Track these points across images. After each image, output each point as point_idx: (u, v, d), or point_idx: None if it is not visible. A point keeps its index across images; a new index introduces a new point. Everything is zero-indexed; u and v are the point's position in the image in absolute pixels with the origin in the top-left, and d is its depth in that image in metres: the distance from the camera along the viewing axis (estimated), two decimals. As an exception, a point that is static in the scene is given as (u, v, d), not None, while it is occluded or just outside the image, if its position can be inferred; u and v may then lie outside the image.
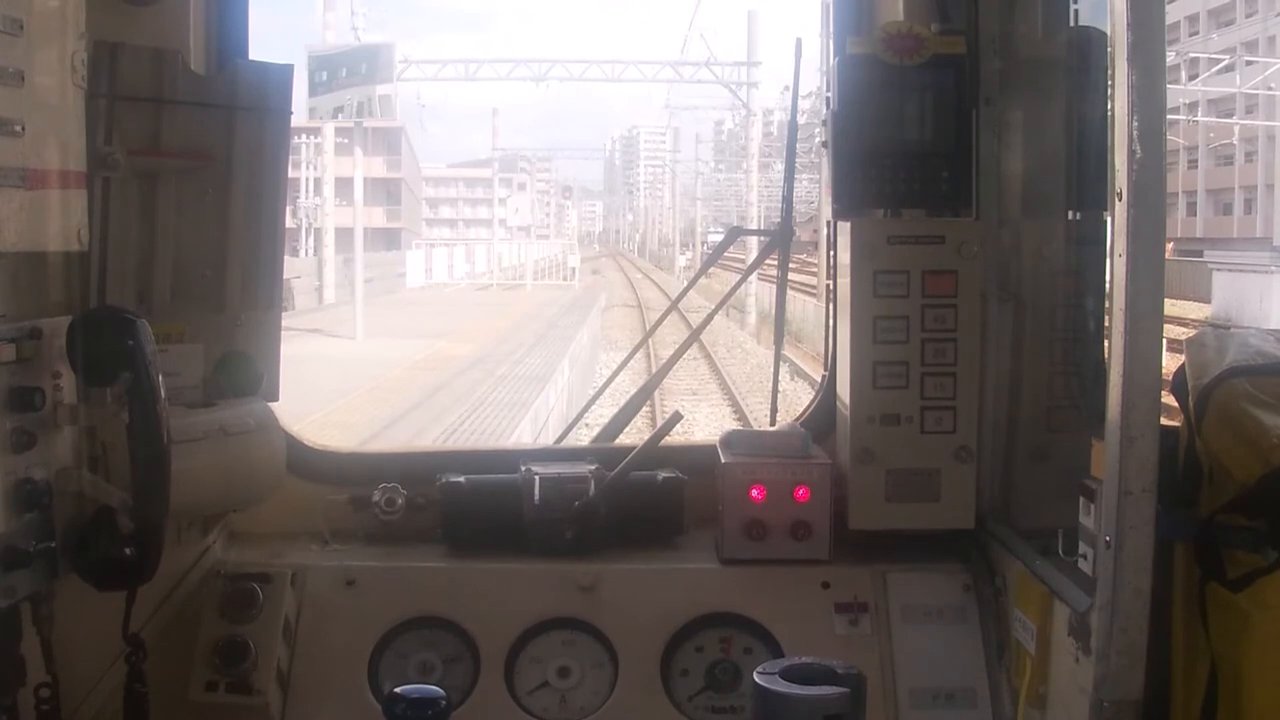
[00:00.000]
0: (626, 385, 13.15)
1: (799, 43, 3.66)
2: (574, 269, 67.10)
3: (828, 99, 3.23)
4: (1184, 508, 2.46)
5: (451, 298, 47.09)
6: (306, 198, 57.69)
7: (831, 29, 3.44)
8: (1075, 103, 3.02)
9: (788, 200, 3.62)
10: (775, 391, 3.72)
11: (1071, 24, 3.09)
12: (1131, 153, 2.05)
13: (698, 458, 3.33)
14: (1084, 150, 2.96)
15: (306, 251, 57.24)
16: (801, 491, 3.15)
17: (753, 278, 26.08)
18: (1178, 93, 50.38)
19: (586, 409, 4.53)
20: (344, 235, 37.30)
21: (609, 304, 49.59)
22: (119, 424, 2.39)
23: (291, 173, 24.93)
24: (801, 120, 4.23)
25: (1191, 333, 2.82)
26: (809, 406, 3.66)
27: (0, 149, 2.23)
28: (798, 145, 3.78)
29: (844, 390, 3.20)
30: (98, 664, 2.76)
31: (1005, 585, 2.96)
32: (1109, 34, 2.24)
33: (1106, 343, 2.30)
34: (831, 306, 3.39)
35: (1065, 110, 3.07)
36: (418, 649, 3.06)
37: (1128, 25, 2.04)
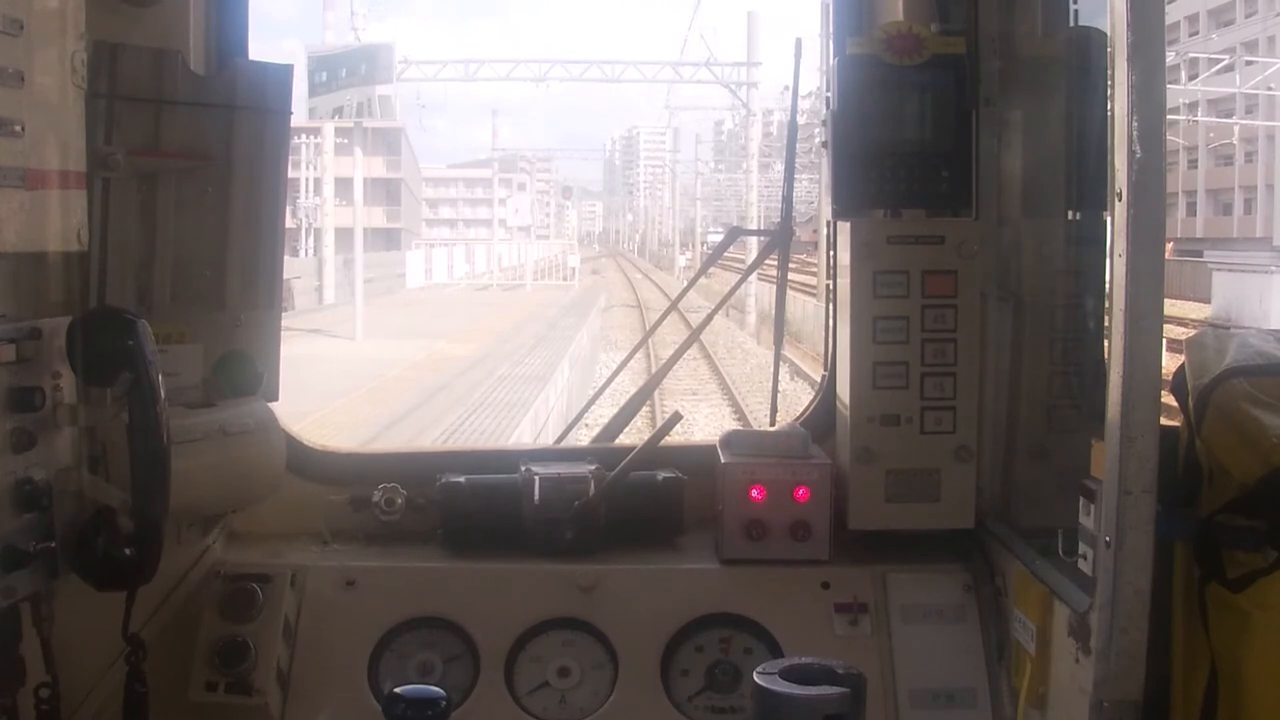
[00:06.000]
0: (626, 385, 13.15)
1: (799, 43, 3.65)
2: (574, 269, 67.00)
3: (828, 99, 3.23)
4: (1184, 508, 2.46)
5: (451, 298, 47.06)
6: (306, 198, 57.71)
7: (831, 29, 3.44)
8: (1075, 103, 3.02)
9: (788, 200, 3.62)
10: (775, 391, 3.72)
11: (1071, 24, 3.09)
12: (1131, 153, 2.05)
13: (698, 458, 3.33)
14: (1084, 150, 2.96)
15: (306, 251, 57.25)
16: (801, 491, 3.15)
17: (753, 278, 26.07)
18: (1178, 93, 50.35)
19: (586, 409, 4.53)
20: (344, 235, 37.30)
21: (609, 304, 49.58)
22: (119, 424, 2.39)
23: (291, 173, 24.92)
24: (801, 120, 4.22)
25: (1191, 333, 2.81)
26: (809, 406, 3.66)
27: (0, 149, 2.23)
28: (798, 145, 3.77)
29: (844, 390, 3.20)
30: (98, 664, 2.76)
31: (1005, 585, 2.96)
32: (1109, 34, 2.24)
33: (1106, 343, 2.30)
34: (831, 306, 3.39)
35: (1065, 110, 3.07)
36: (418, 649, 3.06)
37: (1128, 25, 2.04)
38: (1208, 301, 34.77)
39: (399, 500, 3.30)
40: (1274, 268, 32.16)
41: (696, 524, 3.28)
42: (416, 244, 72.70)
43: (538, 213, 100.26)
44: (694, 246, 76.70)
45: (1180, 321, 26.26)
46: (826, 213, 3.42)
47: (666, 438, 3.34)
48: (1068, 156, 3.06)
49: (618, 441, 3.66)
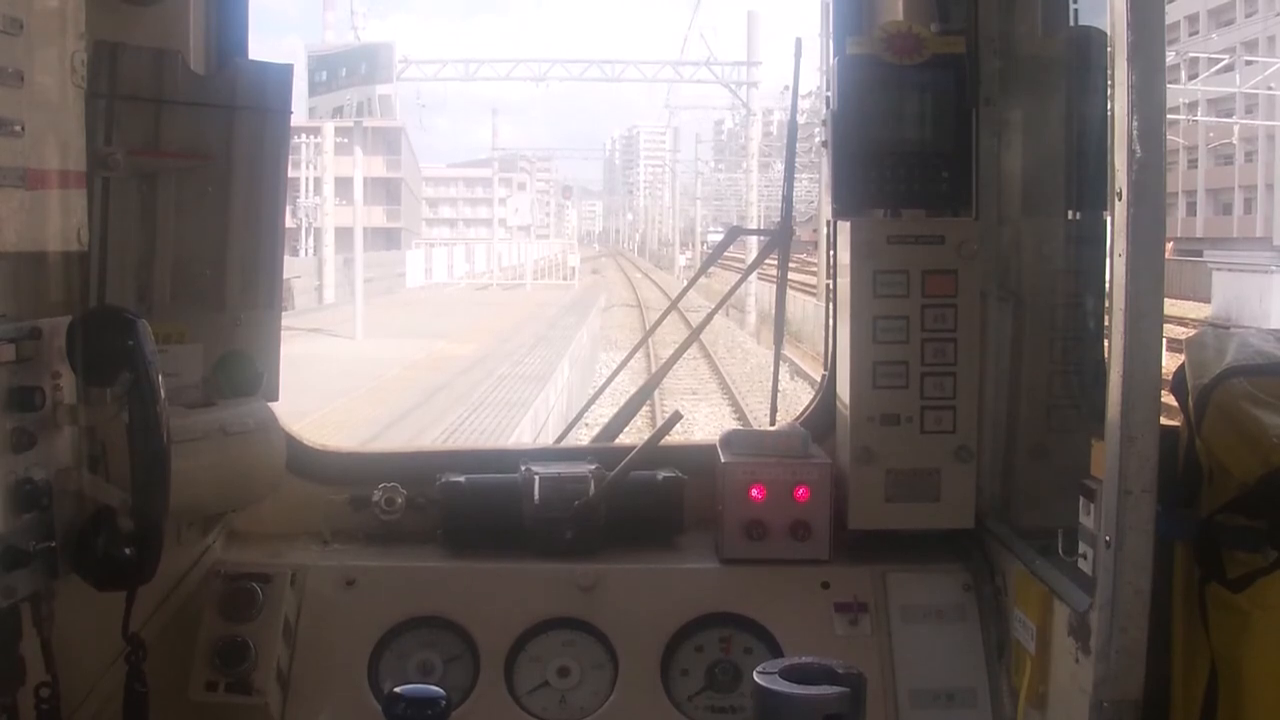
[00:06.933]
0: (626, 385, 13.15)
1: (799, 43, 3.65)
2: (574, 269, 67.02)
3: (828, 99, 3.23)
4: (1184, 508, 2.46)
5: (451, 297, 47.07)
6: (306, 197, 57.70)
7: (831, 29, 3.44)
8: (1075, 103, 3.02)
9: (788, 200, 3.62)
10: (775, 391, 3.71)
11: (1071, 24, 3.09)
12: (1131, 152, 2.05)
13: (698, 457, 3.33)
14: (1084, 150, 2.96)
15: (306, 251, 57.25)
16: (801, 491, 3.15)
17: (753, 277, 26.07)
18: (1178, 93, 50.35)
19: (586, 409, 4.53)
20: (344, 235, 37.30)
21: (609, 304, 49.59)
22: (119, 424, 2.39)
23: (291, 172, 24.94)
24: (801, 120, 4.23)
25: (1191, 333, 2.82)
26: (809, 406, 3.66)
27: (0, 149, 2.23)
28: (798, 145, 3.77)
29: (844, 390, 3.20)
30: (98, 664, 2.76)
31: (1005, 585, 2.96)
32: (1109, 34, 2.24)
33: (1106, 343, 2.30)
34: (831, 306, 3.39)
35: (1065, 110, 3.07)
36: (418, 649, 3.06)
37: (1128, 25, 2.04)
38: (1208, 301, 34.76)
39: (399, 500, 3.30)
40: (1274, 267, 32.15)
41: (696, 524, 3.28)
42: (416, 243, 72.78)
43: (538, 212, 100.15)
44: (694, 246, 76.68)
45: (1180, 321, 26.26)
46: (826, 212, 3.42)
47: (666, 437, 3.34)
48: (1068, 156, 3.06)
49: (618, 441, 3.66)
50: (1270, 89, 51.61)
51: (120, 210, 2.71)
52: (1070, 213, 3.06)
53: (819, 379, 3.83)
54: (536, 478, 3.20)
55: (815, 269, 34.80)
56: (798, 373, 24.36)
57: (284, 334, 3.10)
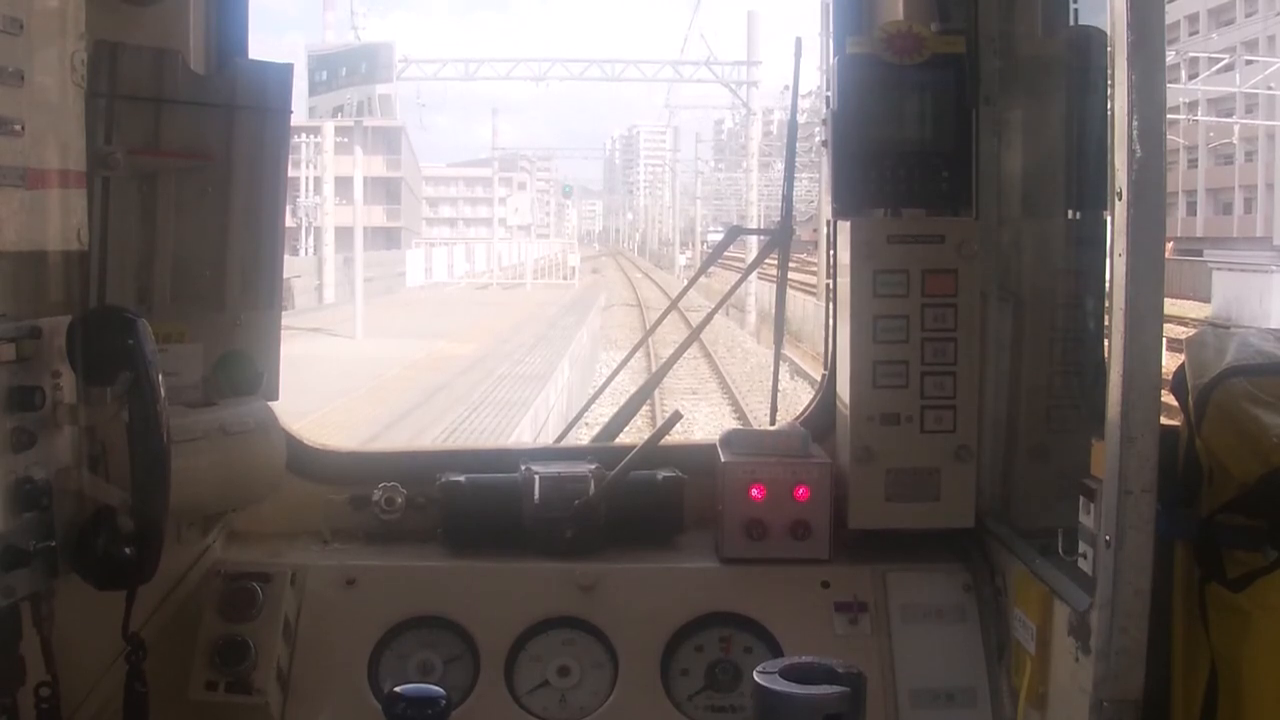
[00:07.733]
0: (626, 384, 13.15)
1: (799, 42, 3.66)
2: (574, 268, 67.04)
3: (828, 98, 3.23)
4: (1184, 507, 2.46)
5: (451, 297, 47.08)
6: (306, 197, 57.71)
7: (831, 28, 3.45)
8: (1075, 102, 3.02)
9: (788, 199, 3.62)
10: (775, 391, 3.71)
11: (1071, 23, 3.09)
12: (1131, 152, 2.05)
13: (698, 457, 3.33)
14: (1084, 150, 2.96)
15: (306, 251, 57.23)
16: (801, 491, 3.15)
17: (753, 277, 26.09)
18: (1178, 92, 50.33)
19: (586, 408, 4.53)
20: (344, 234, 37.31)
21: (609, 303, 49.58)
22: (119, 424, 2.39)
23: (291, 172, 24.93)
24: (801, 120, 4.23)
25: (1191, 332, 2.82)
26: (809, 406, 3.66)
27: (0, 148, 2.23)
28: (798, 145, 3.78)
29: (844, 390, 3.20)
30: (98, 664, 2.76)
31: (1005, 585, 2.96)
32: (1109, 33, 2.24)
33: (1106, 342, 2.30)
34: (831, 306, 3.39)
35: (1065, 110, 3.07)
36: (418, 649, 3.06)
37: (1128, 25, 2.04)
38: (1208, 301, 34.75)
39: (399, 499, 3.30)
40: (1274, 267, 32.13)
41: (696, 523, 3.28)
42: (416, 243, 72.80)
43: (538, 212, 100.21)
44: (694, 245, 76.70)
45: (1180, 321, 26.24)
46: (826, 212, 3.42)
47: (666, 437, 3.34)
48: (1068, 156, 3.06)
49: (618, 441, 3.66)
50: (1270, 89, 51.60)
51: (120, 210, 2.70)
52: (1070, 213, 3.06)
53: (819, 379, 3.83)
54: (536, 477, 3.20)
55: (815, 269, 34.78)
56: (798, 372, 24.36)
57: (284, 333, 3.10)
